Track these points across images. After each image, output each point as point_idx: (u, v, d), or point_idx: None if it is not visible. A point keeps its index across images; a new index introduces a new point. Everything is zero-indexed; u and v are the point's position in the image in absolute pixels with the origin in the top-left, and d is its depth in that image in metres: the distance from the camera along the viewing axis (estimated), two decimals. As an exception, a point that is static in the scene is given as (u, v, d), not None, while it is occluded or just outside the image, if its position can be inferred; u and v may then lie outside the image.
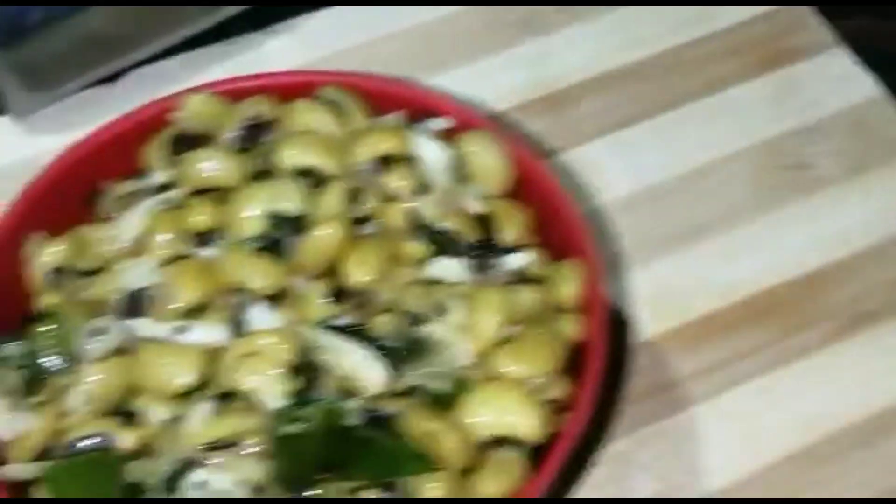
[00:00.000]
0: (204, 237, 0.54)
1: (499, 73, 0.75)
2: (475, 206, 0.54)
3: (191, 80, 0.72)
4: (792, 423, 0.61)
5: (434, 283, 0.52)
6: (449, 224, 0.53)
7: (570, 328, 0.52)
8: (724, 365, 0.63)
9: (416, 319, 0.50)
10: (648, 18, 0.77)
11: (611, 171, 0.70)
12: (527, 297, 0.52)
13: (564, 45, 0.76)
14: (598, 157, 0.71)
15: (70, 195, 0.57)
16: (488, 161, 0.55)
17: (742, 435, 0.61)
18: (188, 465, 0.48)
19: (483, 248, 0.53)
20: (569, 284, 0.53)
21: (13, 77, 0.69)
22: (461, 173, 0.55)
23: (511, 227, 0.54)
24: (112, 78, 0.74)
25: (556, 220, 0.55)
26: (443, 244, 0.53)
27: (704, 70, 0.75)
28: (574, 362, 0.52)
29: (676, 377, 0.63)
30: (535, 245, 0.55)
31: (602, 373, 0.50)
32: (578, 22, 0.77)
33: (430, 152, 0.56)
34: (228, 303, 0.52)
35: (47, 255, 0.55)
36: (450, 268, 0.53)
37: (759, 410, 0.61)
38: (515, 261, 0.54)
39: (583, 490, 0.59)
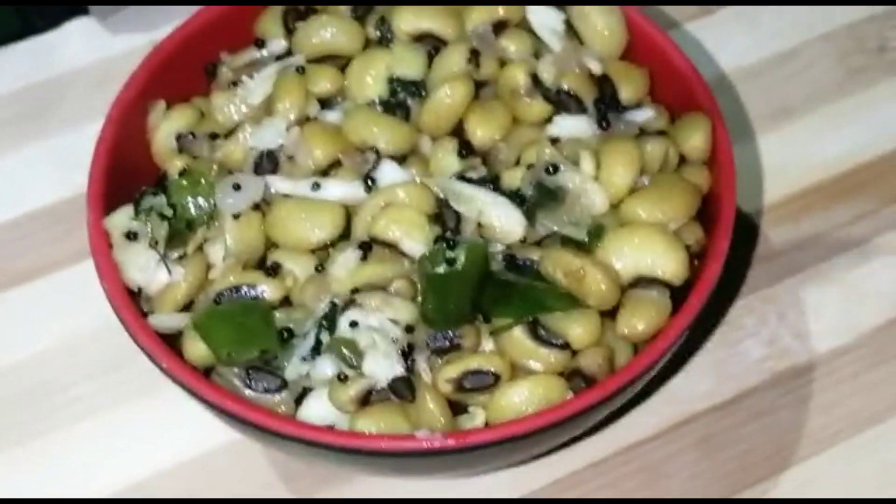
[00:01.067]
0: (327, 101, 0.55)
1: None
2: (594, 67, 0.54)
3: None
4: (892, 287, 0.63)
5: (558, 140, 0.53)
6: (568, 83, 0.54)
7: (699, 178, 0.53)
8: (825, 234, 0.64)
9: (549, 170, 0.50)
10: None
11: (698, 54, 0.71)
12: (654, 147, 0.53)
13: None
14: (684, 43, 0.72)
15: (189, 65, 0.57)
16: (604, 23, 0.56)
17: (844, 300, 0.62)
18: (341, 306, 0.49)
19: (605, 104, 0.54)
20: (694, 136, 0.54)
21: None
22: (577, 36, 0.56)
23: (630, 85, 0.55)
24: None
25: (673, 77, 0.56)
26: (564, 103, 0.54)
27: None
28: (702, 213, 0.52)
29: (779, 247, 0.64)
30: (655, 102, 0.56)
31: (734, 222, 0.51)
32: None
33: (544, 16, 0.56)
34: (356, 162, 0.52)
35: (172, 120, 0.55)
36: (573, 126, 0.53)
37: (859, 277, 0.63)
38: (638, 116, 0.54)
39: (698, 355, 0.60)
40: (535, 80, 0.54)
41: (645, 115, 0.54)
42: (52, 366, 0.61)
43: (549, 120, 0.54)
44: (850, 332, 0.61)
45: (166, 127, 0.55)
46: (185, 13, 0.58)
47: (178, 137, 0.55)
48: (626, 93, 0.55)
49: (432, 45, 0.55)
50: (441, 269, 0.48)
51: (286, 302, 0.51)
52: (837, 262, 0.63)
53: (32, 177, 0.68)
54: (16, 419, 0.59)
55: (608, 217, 0.51)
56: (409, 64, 0.54)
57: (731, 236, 0.51)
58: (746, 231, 0.64)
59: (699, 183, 0.53)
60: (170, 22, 0.69)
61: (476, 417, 0.49)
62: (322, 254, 0.52)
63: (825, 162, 0.67)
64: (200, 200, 0.51)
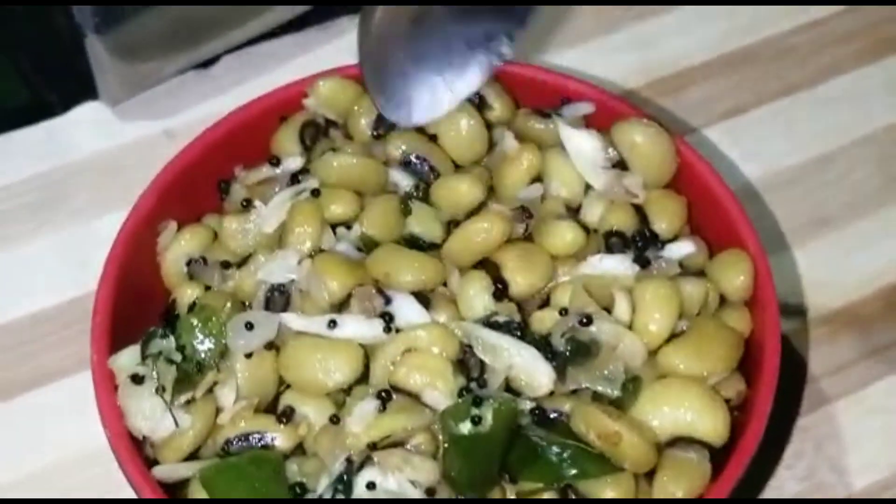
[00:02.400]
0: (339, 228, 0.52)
1: (608, 55, 0.72)
2: (639, 196, 0.52)
3: (290, 63, 0.71)
4: None
5: (595, 279, 0.50)
6: (615, 221, 0.51)
7: (740, 322, 0.50)
8: (863, 359, 0.61)
9: (582, 321, 0.47)
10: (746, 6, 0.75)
11: (730, 157, 0.68)
12: (694, 289, 0.50)
13: (673, 30, 0.74)
14: (716, 143, 0.69)
15: (201, 181, 0.55)
16: (653, 148, 0.53)
17: (885, 430, 0.59)
18: (357, 464, 0.46)
19: (643, 240, 0.51)
20: (734, 276, 0.51)
21: (108, 60, 0.66)
22: (618, 163, 0.53)
23: (667, 216, 0.52)
24: (207, 63, 0.72)
25: (713, 209, 0.53)
26: (609, 244, 0.51)
27: (817, 56, 0.73)
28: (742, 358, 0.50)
29: (814, 372, 0.61)
30: (693, 235, 0.53)
31: (778, 371, 0.48)
32: (680, 10, 0.75)
33: (583, 145, 0.53)
34: (369, 297, 0.49)
35: (182, 244, 0.53)
36: (613, 265, 0.50)
37: None
38: (677, 251, 0.51)
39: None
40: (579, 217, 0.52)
41: (684, 250, 0.51)
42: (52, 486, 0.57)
43: (588, 256, 0.51)
44: (890, 467, 0.58)
45: (176, 250, 0.53)
46: (196, 97, 0.55)
47: (189, 263, 0.52)
48: (663, 224, 0.52)
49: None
50: (466, 428, 0.45)
51: (300, 449, 0.48)
52: (878, 387, 0.60)
53: (39, 274, 0.65)
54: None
55: (647, 366, 0.48)
56: (426, 226, 0.52)
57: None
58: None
59: (741, 328, 0.50)
60: (182, 111, 0.67)
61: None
62: (339, 396, 0.49)
63: (866, 277, 0.64)
64: (211, 340, 0.48)
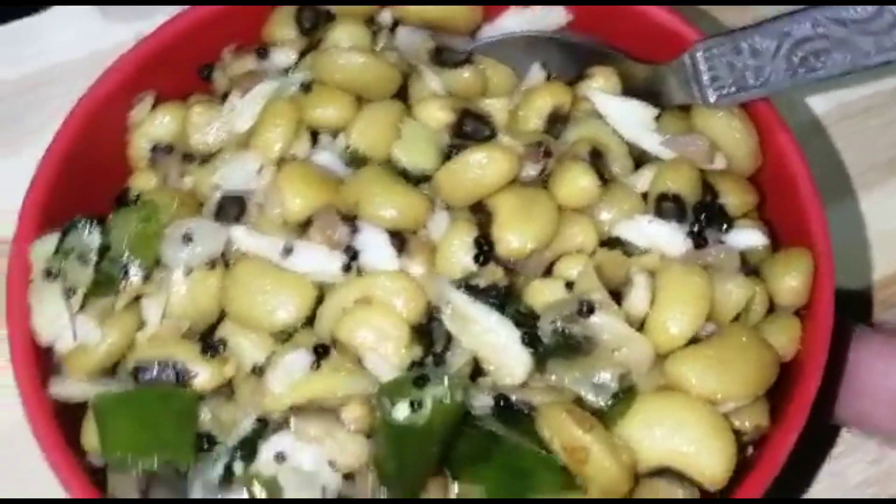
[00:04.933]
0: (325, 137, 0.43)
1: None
2: (719, 163, 0.42)
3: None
4: None
5: (613, 256, 0.40)
6: (671, 180, 0.41)
7: (784, 336, 0.40)
8: None
9: (582, 310, 0.38)
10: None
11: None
12: (735, 289, 0.40)
13: None
14: None
15: (183, 62, 0.46)
16: (733, 137, 0.43)
17: None
18: (270, 426, 0.38)
19: (707, 212, 0.41)
20: (791, 277, 0.40)
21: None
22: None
23: (739, 194, 0.42)
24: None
25: (786, 200, 0.42)
26: (664, 209, 0.41)
27: None
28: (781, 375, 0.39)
29: None
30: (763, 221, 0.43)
31: (808, 415, 0.38)
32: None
33: (623, 106, 0.44)
34: (337, 227, 0.41)
35: (153, 124, 0.45)
36: (659, 236, 0.40)
37: None
38: (743, 239, 0.41)
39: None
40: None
41: (753, 239, 0.41)
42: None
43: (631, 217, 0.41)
44: None
45: (146, 130, 0.46)
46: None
47: (154, 148, 0.45)
48: (734, 201, 0.42)
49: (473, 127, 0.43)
50: (402, 414, 0.36)
51: (228, 390, 0.41)
52: None
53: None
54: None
55: (653, 374, 0.38)
56: (419, 153, 0.43)
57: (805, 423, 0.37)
58: (854, 313, 0.50)
59: (783, 344, 0.40)
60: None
61: None
62: (282, 337, 0.41)
63: None
64: (143, 245, 0.41)
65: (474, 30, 0.48)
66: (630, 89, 0.45)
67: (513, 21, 0.48)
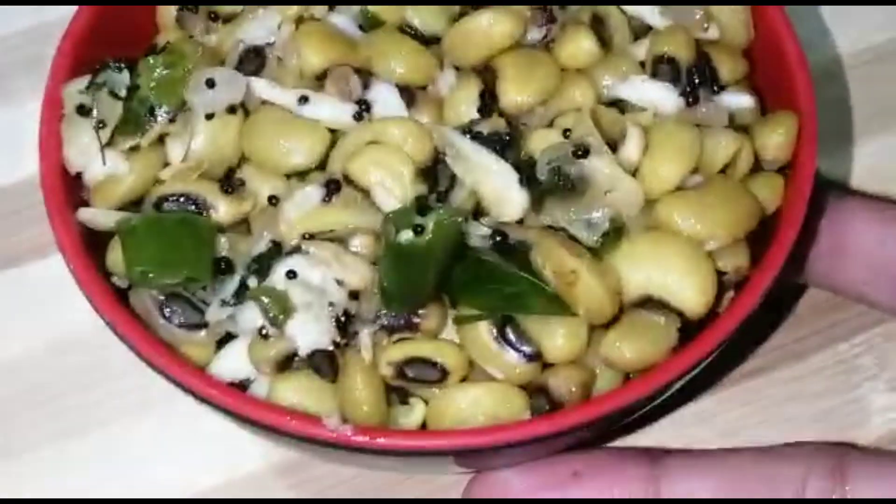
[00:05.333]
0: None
1: None
2: (712, 33, 0.45)
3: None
4: None
5: (609, 113, 0.43)
6: (668, 44, 0.44)
7: (766, 190, 0.43)
8: None
9: (577, 151, 0.41)
10: None
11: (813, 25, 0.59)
12: (724, 142, 0.42)
13: None
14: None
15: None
16: (727, 9, 0.45)
17: None
18: (284, 249, 0.41)
19: (700, 75, 0.44)
20: (776, 136, 0.43)
21: None
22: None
23: (730, 63, 0.45)
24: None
25: (777, 66, 0.45)
26: (660, 69, 0.44)
27: None
28: (763, 229, 0.42)
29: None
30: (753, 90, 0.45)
31: (789, 254, 0.40)
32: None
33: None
34: (350, 80, 0.44)
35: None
36: (654, 93, 0.43)
37: None
38: (734, 100, 0.44)
39: (800, 401, 0.50)
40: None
41: (741, 101, 0.44)
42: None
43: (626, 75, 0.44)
44: None
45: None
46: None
47: (181, 7, 0.47)
48: (725, 68, 0.45)
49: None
50: (405, 237, 0.39)
51: (245, 227, 0.43)
52: None
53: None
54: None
55: (642, 216, 0.41)
56: (430, 16, 0.45)
57: (783, 268, 0.40)
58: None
59: (766, 197, 0.42)
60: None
61: (413, 413, 0.41)
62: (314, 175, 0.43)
63: None
64: (169, 87, 0.44)
65: None
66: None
67: None
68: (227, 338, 0.42)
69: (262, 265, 0.41)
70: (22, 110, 0.55)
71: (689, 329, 0.40)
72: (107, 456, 0.51)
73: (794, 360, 0.51)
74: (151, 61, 0.44)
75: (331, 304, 0.40)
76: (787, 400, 0.50)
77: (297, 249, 0.41)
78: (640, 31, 0.46)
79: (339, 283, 0.40)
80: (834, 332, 0.51)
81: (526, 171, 0.41)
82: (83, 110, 0.43)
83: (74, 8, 0.46)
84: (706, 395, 0.50)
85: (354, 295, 0.40)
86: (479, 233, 0.40)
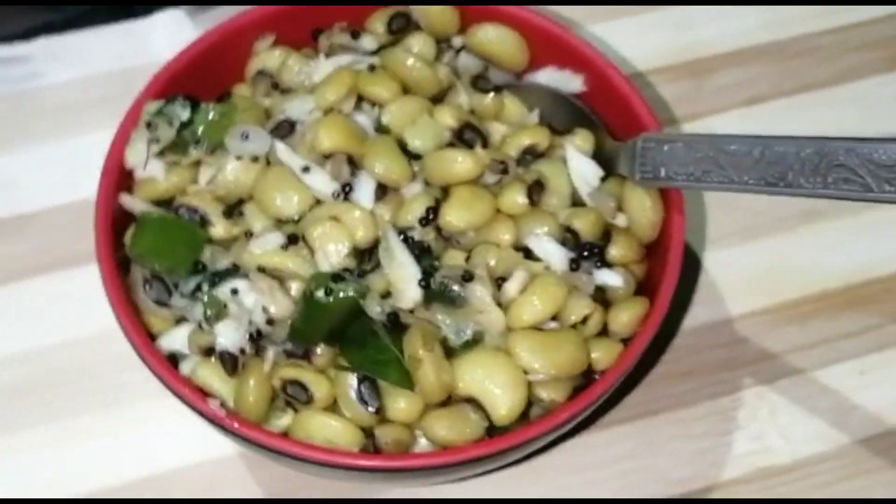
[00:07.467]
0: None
1: (641, 33, 0.75)
2: (620, 222, 0.57)
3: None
4: (887, 404, 0.63)
5: (512, 255, 0.55)
6: (580, 221, 0.56)
7: (603, 353, 0.54)
8: (829, 342, 0.65)
9: (465, 275, 0.53)
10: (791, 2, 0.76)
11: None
12: (581, 307, 0.54)
13: (708, 17, 0.76)
14: (729, 129, 0.71)
15: (303, 22, 0.63)
16: (641, 208, 0.57)
17: (835, 409, 0.62)
18: (239, 271, 0.55)
19: (590, 252, 0.56)
20: (625, 315, 0.55)
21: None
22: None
23: (625, 249, 0.56)
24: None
25: (660, 263, 0.56)
26: (565, 239, 0.56)
27: (839, 59, 0.74)
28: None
29: (782, 347, 0.64)
30: (633, 273, 0.57)
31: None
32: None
33: (584, 168, 0.58)
34: (342, 166, 0.56)
35: (268, 54, 0.62)
36: (551, 252, 0.55)
37: (854, 389, 0.63)
38: (603, 276, 0.56)
39: (683, 441, 0.62)
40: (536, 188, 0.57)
41: (613, 280, 0.56)
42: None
43: (536, 234, 0.56)
44: (833, 441, 0.62)
45: (262, 57, 0.62)
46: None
47: (258, 72, 0.62)
48: (617, 253, 0.56)
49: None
50: (318, 294, 0.52)
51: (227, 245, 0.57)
52: (837, 370, 0.64)
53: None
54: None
55: (498, 337, 0.53)
56: (422, 140, 0.58)
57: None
58: (754, 328, 0.65)
59: (600, 357, 0.54)
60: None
61: (281, 419, 0.54)
62: (285, 226, 0.57)
63: (840, 270, 0.67)
64: (214, 129, 0.58)
65: (519, 72, 0.64)
66: (597, 151, 0.59)
67: (544, 76, 0.63)
68: (181, 320, 0.56)
69: (218, 277, 0.55)
70: (89, 139, 0.64)
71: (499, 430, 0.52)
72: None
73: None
74: (210, 108, 0.58)
75: (251, 322, 0.53)
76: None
77: (245, 275, 0.54)
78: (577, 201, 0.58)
79: (265, 309, 0.54)
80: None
81: (428, 277, 0.53)
82: (149, 126, 0.58)
83: (156, 64, 0.60)
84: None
85: (271, 322, 0.54)
86: (376, 309, 0.53)
